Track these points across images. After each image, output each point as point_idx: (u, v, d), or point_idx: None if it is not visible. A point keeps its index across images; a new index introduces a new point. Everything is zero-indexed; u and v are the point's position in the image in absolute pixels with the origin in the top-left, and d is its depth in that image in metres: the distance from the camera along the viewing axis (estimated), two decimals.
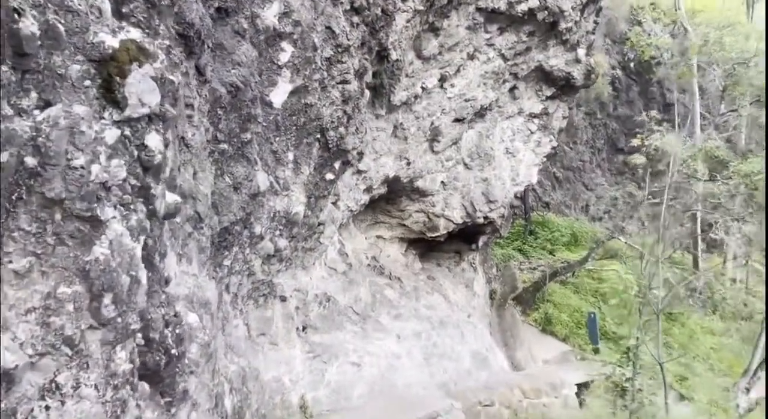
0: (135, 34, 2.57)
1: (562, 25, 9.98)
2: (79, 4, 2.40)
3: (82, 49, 2.40)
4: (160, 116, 2.68)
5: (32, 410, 2.29)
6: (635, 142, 14.34)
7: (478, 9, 8.84)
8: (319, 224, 7.69)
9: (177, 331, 3.46)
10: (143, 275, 2.60)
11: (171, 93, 2.80)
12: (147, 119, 2.58)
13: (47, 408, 2.33)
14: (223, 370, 5.31)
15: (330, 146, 6.57)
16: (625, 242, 14.57)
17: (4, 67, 2.18)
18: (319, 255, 8.27)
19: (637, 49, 19.16)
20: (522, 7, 9.23)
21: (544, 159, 12.58)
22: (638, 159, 13.95)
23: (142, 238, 2.67)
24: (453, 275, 12.40)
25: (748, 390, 10.81)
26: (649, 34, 18.51)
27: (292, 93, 5.85)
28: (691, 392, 9.97)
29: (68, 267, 2.33)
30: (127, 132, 2.49)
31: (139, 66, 2.50)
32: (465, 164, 10.97)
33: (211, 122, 4.94)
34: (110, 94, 2.42)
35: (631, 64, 21.33)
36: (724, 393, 10.92)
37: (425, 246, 12.20)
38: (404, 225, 11.11)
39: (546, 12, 9.56)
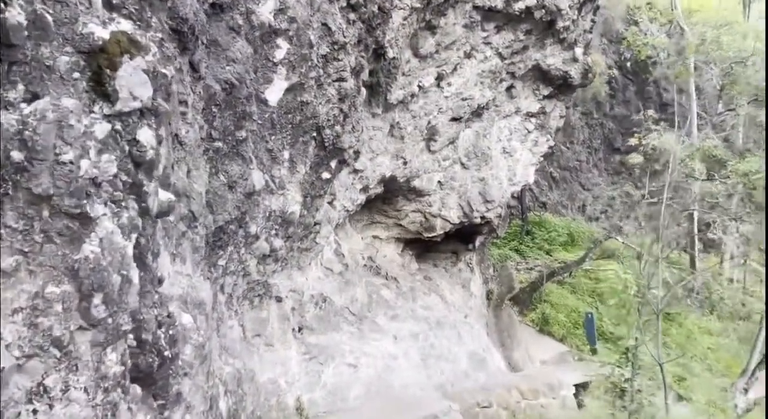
0: (126, 25, 2.50)
1: (560, 24, 9.93)
2: None
3: (71, 40, 2.32)
4: (153, 110, 2.60)
5: (19, 414, 2.21)
6: (633, 141, 14.31)
7: (475, 7, 8.78)
8: (315, 223, 7.62)
9: (170, 332, 3.38)
10: (135, 274, 2.52)
11: (164, 87, 2.71)
12: (139, 114, 2.50)
13: (35, 411, 2.25)
14: (218, 372, 5.22)
15: (326, 144, 6.49)
16: (623, 242, 14.54)
17: None
18: (315, 255, 8.20)
19: (633, 48, 19.15)
20: (519, 6, 9.18)
21: (542, 159, 12.53)
22: (636, 158, 13.91)
23: (133, 236, 2.59)
24: (450, 275, 12.33)
25: (746, 390, 10.78)
26: (645, 34, 18.49)
27: (288, 90, 5.78)
28: (689, 392, 9.93)
29: (56, 266, 2.25)
30: (118, 127, 2.41)
31: (131, 58, 2.42)
32: (462, 164, 10.91)
33: (206, 120, 4.86)
34: (100, 87, 2.34)
35: (628, 64, 21.33)
36: (722, 394, 10.90)
37: (422, 246, 12.12)
38: (401, 225, 11.04)
39: (543, 10, 9.51)
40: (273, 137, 5.82)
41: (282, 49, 5.60)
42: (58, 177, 2.21)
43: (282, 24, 5.51)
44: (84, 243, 2.30)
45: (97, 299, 2.31)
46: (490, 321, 12.52)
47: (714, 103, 17.83)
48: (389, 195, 10.32)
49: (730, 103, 16.55)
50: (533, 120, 11.79)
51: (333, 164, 6.86)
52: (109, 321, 2.36)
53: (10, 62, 2.17)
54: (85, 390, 2.35)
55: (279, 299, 7.06)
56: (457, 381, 9.21)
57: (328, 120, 6.37)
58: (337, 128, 6.53)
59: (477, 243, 12.54)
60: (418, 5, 7.47)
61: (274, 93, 5.66)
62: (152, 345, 3.05)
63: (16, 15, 2.15)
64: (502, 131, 11.48)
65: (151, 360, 3.06)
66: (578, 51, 10.79)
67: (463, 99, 9.93)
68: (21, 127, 2.14)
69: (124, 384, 2.55)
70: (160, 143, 3.47)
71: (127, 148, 2.46)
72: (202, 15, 4.50)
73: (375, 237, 11.04)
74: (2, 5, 2.13)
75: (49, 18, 2.27)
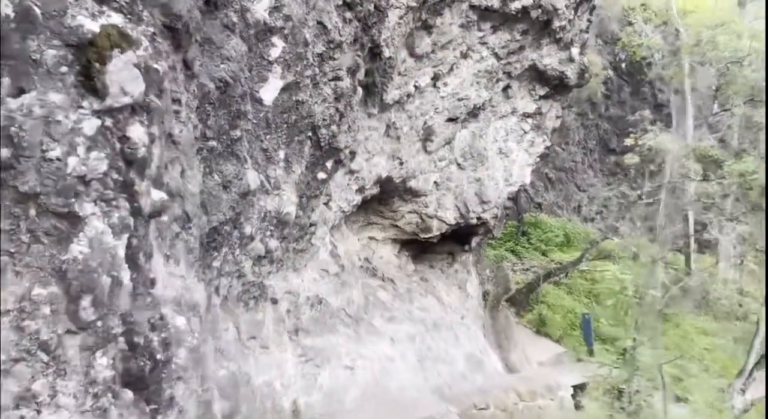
0: (117, 19, 2.42)
1: (556, 24, 9.89)
2: None
3: (59, 33, 2.24)
4: (144, 106, 2.52)
5: None
6: (629, 142, 14.28)
7: (472, 6, 8.71)
8: (311, 224, 7.54)
9: (163, 335, 3.30)
10: (126, 275, 2.44)
11: (156, 83, 2.64)
12: (130, 110, 2.42)
13: (22, 418, 2.17)
14: (213, 375, 5.13)
15: (322, 144, 6.42)
16: (619, 243, 14.52)
17: None
18: (310, 257, 8.11)
19: (628, 49, 19.14)
20: (515, 5, 9.12)
21: (538, 159, 12.49)
22: (632, 159, 13.88)
23: (124, 236, 2.51)
24: (446, 276, 12.27)
25: (743, 390, 10.75)
26: (640, 35, 18.49)
27: (283, 90, 5.70)
28: (686, 393, 9.89)
29: (44, 267, 2.17)
30: (108, 123, 2.33)
31: (121, 53, 2.35)
32: (458, 164, 10.85)
33: (200, 119, 4.78)
34: (89, 82, 2.26)
35: (623, 65, 21.34)
36: (720, 394, 10.86)
37: (418, 247, 12.06)
38: (397, 226, 10.97)
39: (540, 10, 9.46)
40: (268, 137, 5.74)
41: (277, 47, 5.53)
42: (45, 175, 2.13)
43: (277, 22, 5.44)
44: (72, 243, 2.22)
45: (85, 302, 2.23)
46: (486, 322, 12.46)
47: (709, 103, 17.85)
48: (385, 196, 10.24)
49: (726, 104, 16.55)
50: (529, 121, 11.74)
51: (329, 164, 6.79)
52: (99, 324, 2.28)
53: None
54: (74, 395, 2.27)
55: (274, 301, 6.96)
56: (454, 383, 9.14)
57: (324, 120, 6.30)
58: (333, 127, 6.46)
59: (473, 244, 12.49)
60: (414, 4, 7.40)
61: (269, 92, 5.59)
62: (144, 349, 2.97)
63: (2, 7, 2.08)
64: (499, 131, 11.42)
65: (143, 363, 2.98)
66: (574, 51, 10.74)
67: (460, 99, 9.87)
68: (7, 122, 2.06)
69: (115, 389, 2.47)
70: (152, 141, 3.39)
71: (117, 145, 2.38)
72: (196, 12, 4.42)
73: (371, 238, 10.96)
74: None
75: (37, 10, 2.19)
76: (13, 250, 2.13)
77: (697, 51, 15.56)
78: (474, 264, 13.02)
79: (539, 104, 11.53)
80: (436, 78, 9.19)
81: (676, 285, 11.07)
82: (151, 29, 2.77)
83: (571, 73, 10.95)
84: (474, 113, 10.50)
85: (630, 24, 19.29)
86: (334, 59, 6.19)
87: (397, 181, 9.68)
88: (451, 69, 9.35)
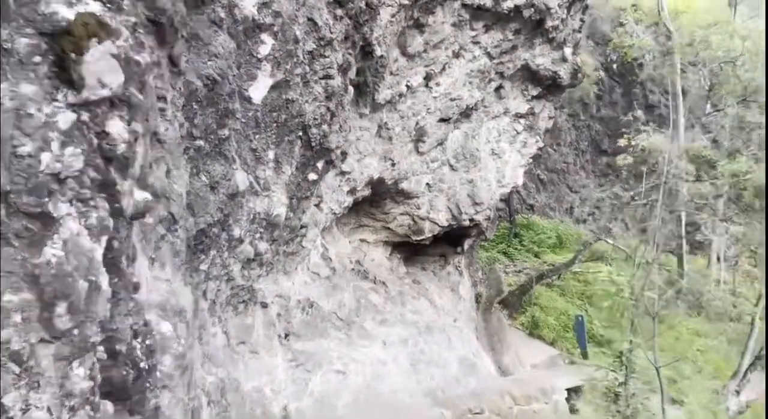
0: (95, 6, 2.27)
1: (549, 23, 9.80)
2: None
3: (33, 20, 2.09)
4: (124, 100, 2.37)
5: None
6: (622, 142, 14.24)
7: (464, 5, 8.61)
8: (302, 226, 7.39)
9: (147, 342, 3.15)
10: (104, 280, 2.29)
11: (137, 76, 2.49)
12: (108, 103, 2.27)
13: None
14: (200, 382, 4.98)
15: (313, 144, 6.27)
16: (612, 244, 14.46)
17: None
18: (301, 259, 7.96)
19: (619, 50, 19.14)
20: (508, 4, 9.03)
21: (530, 160, 12.41)
22: (626, 160, 13.83)
23: (103, 239, 2.35)
24: (438, 279, 12.15)
25: (738, 392, 10.71)
26: (631, 36, 18.50)
27: (273, 88, 5.55)
28: (680, 395, 9.82)
29: (15, 271, 2.01)
30: (85, 117, 2.18)
31: (99, 42, 2.20)
32: (450, 166, 10.74)
33: (186, 117, 4.62)
34: (64, 73, 2.11)
35: (614, 66, 21.34)
36: (714, 396, 10.80)
37: (410, 250, 11.94)
38: (389, 228, 10.84)
39: (532, 9, 9.37)
40: (257, 136, 5.59)
41: (266, 44, 5.38)
42: (15, 172, 1.98)
43: (266, 18, 5.29)
44: (45, 246, 2.07)
45: (60, 309, 2.08)
46: (479, 325, 12.35)
47: (700, 104, 17.86)
48: (377, 198, 10.12)
49: (719, 104, 16.55)
50: (522, 121, 11.66)
51: (320, 164, 6.64)
52: (75, 332, 2.13)
53: None
54: (49, 409, 2.11)
55: (264, 305, 6.81)
56: (447, 386, 9.01)
57: (315, 119, 6.15)
58: (324, 127, 6.31)
59: (466, 246, 12.38)
60: (407, 2, 7.28)
61: (258, 90, 5.44)
62: (126, 357, 2.82)
63: None
64: (491, 132, 11.33)
65: (125, 372, 2.82)
66: (567, 51, 10.67)
67: (452, 99, 9.76)
68: None
69: (93, 400, 2.32)
70: (136, 139, 3.23)
71: (95, 141, 2.23)
72: (181, 6, 4.26)
73: (362, 241, 10.83)
74: None
75: None
76: None
77: (689, 51, 15.55)
78: (466, 266, 12.91)
79: (532, 105, 11.45)
80: (428, 78, 9.07)
81: (671, 287, 11.02)
82: (133, 19, 2.62)
83: (564, 73, 10.87)
84: (466, 114, 10.40)
85: (621, 25, 19.30)
86: (325, 57, 6.05)
87: (389, 182, 9.55)
88: (444, 69, 9.24)
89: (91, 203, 2.24)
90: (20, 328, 2.03)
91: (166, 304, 3.90)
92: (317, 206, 7.84)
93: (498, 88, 10.76)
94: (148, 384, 3.07)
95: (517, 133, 11.70)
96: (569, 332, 13.35)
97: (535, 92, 11.24)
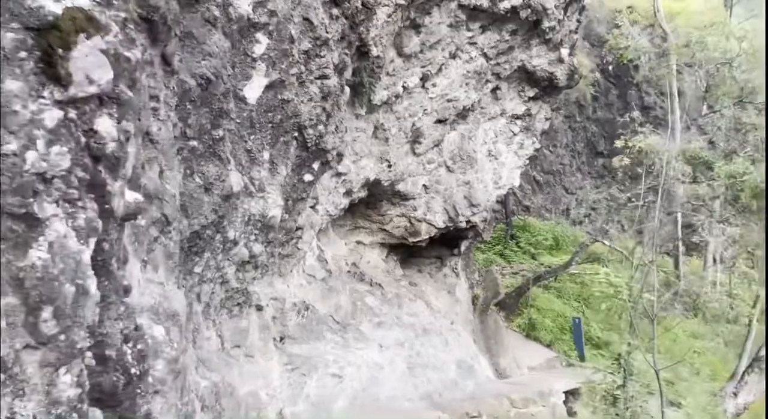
0: (83, 1, 2.19)
1: (545, 24, 9.76)
2: None
3: (18, 15, 2.01)
4: (114, 97, 2.29)
5: None
6: (619, 143, 14.20)
7: (461, 6, 8.56)
8: (297, 228, 7.32)
9: (138, 347, 3.06)
10: (92, 283, 2.21)
11: (127, 72, 2.41)
12: (97, 101, 2.19)
13: None
14: (194, 386, 4.89)
15: (308, 145, 6.20)
16: (610, 246, 14.41)
17: None
18: (297, 262, 7.89)
19: (615, 52, 19.14)
20: (504, 5, 8.98)
21: (527, 161, 12.36)
22: (623, 161, 13.81)
23: (92, 241, 2.27)
24: (435, 281, 12.10)
25: (735, 394, 10.68)
26: (627, 37, 18.49)
27: (268, 88, 5.49)
28: (678, 397, 9.78)
29: None
30: (72, 114, 2.10)
31: (87, 38, 2.12)
32: (447, 167, 10.69)
33: (180, 117, 4.55)
34: (51, 69, 2.04)
35: (610, 68, 21.36)
36: (712, 398, 10.76)
37: (406, 252, 11.88)
38: (385, 230, 10.78)
39: (529, 10, 9.33)
40: (252, 137, 5.52)
41: (261, 44, 5.32)
42: None
43: (261, 17, 5.23)
44: (31, 248, 1.99)
45: (46, 313, 2.00)
46: (476, 327, 12.29)
47: (696, 105, 17.86)
48: (373, 199, 10.06)
49: (715, 105, 16.55)
50: (519, 122, 11.61)
51: (315, 165, 6.57)
52: (62, 337, 2.05)
53: None
54: (34, 417, 2.03)
55: (259, 308, 6.73)
56: (445, 390, 8.94)
57: (311, 119, 6.08)
58: (320, 127, 6.25)
59: (462, 248, 12.33)
60: (403, 2, 7.22)
61: (253, 90, 5.37)
62: (117, 362, 2.74)
63: None
64: (488, 133, 11.28)
65: (115, 378, 2.75)
66: (564, 52, 10.63)
67: (449, 100, 9.71)
68: None
69: (81, 408, 2.24)
70: (127, 139, 3.15)
71: (83, 139, 2.15)
72: (175, 4, 4.19)
73: (359, 243, 10.76)
74: None
75: None
76: None
77: (685, 52, 15.54)
78: (463, 268, 12.85)
79: (528, 106, 11.41)
80: (424, 78, 9.02)
81: (668, 289, 10.98)
82: (123, 15, 2.54)
83: (560, 74, 10.83)
84: (463, 115, 10.35)
85: (617, 26, 19.31)
86: (321, 57, 5.98)
87: (386, 184, 9.49)
88: (440, 69, 9.20)
89: (79, 203, 2.16)
90: (4, 334, 1.95)
91: (159, 307, 3.82)
92: (313, 207, 7.77)
93: (494, 90, 10.71)
94: (139, 390, 2.99)
95: (514, 134, 11.66)
96: (566, 334, 13.30)
97: (531, 93, 11.20)
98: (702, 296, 15.09)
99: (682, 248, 17.30)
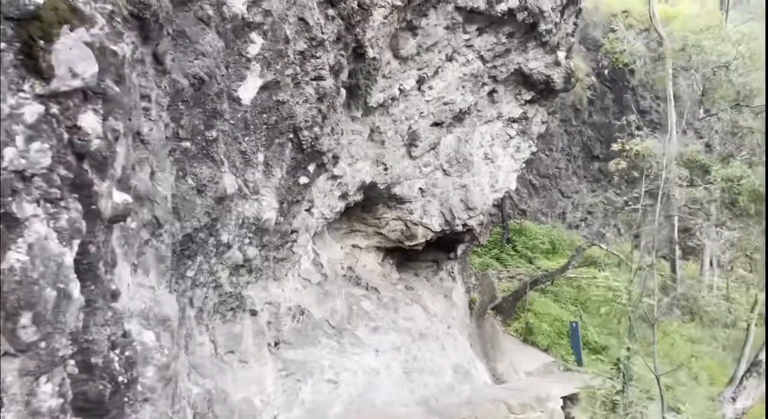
0: None
1: (542, 27, 9.70)
2: None
3: None
4: (100, 93, 2.19)
5: None
6: (615, 146, 14.16)
7: (457, 8, 8.49)
8: (292, 231, 7.21)
9: (127, 353, 2.96)
10: (75, 287, 2.10)
11: (114, 67, 2.31)
12: (81, 96, 2.09)
13: None
14: (186, 393, 4.78)
15: (304, 147, 6.10)
16: (607, 250, 14.35)
17: None
18: (292, 265, 7.78)
19: (611, 56, 19.15)
20: (501, 7, 8.92)
21: (523, 165, 12.30)
22: (620, 164, 13.76)
23: (75, 243, 2.17)
24: (431, 284, 12.00)
25: (734, 399, 10.60)
26: (623, 41, 18.50)
27: (263, 89, 5.39)
28: (677, 402, 9.69)
29: None
30: (54, 110, 2.00)
31: (71, 29, 2.02)
32: (443, 170, 10.61)
33: (172, 117, 4.44)
34: (32, 62, 1.94)
35: (606, 72, 21.36)
36: (710, 403, 10.68)
37: (402, 255, 11.79)
38: (381, 234, 10.69)
39: (526, 12, 9.27)
40: (246, 138, 5.42)
41: (256, 44, 5.23)
42: None
43: (256, 17, 5.14)
44: (9, 250, 1.88)
45: (25, 319, 1.89)
46: (473, 332, 12.19)
47: (692, 108, 17.85)
48: (369, 203, 9.97)
49: (711, 109, 16.55)
50: (515, 125, 11.55)
51: (311, 168, 6.47)
52: (42, 344, 1.94)
53: None
54: None
55: (254, 313, 6.62)
56: (441, 395, 8.83)
57: (306, 121, 5.99)
58: (316, 129, 6.15)
59: (459, 252, 12.24)
60: (399, 3, 7.15)
61: (247, 91, 5.28)
62: (103, 370, 2.63)
63: None
64: (484, 136, 11.21)
65: (102, 387, 2.64)
66: (561, 55, 10.57)
67: (445, 103, 9.64)
68: None
69: (63, 418, 2.13)
70: (116, 139, 3.05)
71: (65, 136, 2.05)
72: (167, 2, 4.10)
73: (354, 246, 10.66)
74: None
75: None
76: None
77: (682, 55, 15.53)
78: (459, 272, 12.77)
79: (525, 109, 11.35)
80: (421, 81, 8.95)
81: (666, 292, 10.93)
82: (109, 7, 2.45)
83: (557, 77, 10.77)
84: (459, 118, 10.28)
85: (613, 31, 19.31)
86: (317, 58, 5.89)
87: (382, 187, 9.41)
88: (437, 72, 9.12)
89: (62, 203, 2.06)
90: None
91: (149, 312, 3.72)
92: (308, 210, 7.67)
93: (491, 93, 10.65)
94: (126, 399, 2.88)
95: (510, 137, 11.60)
96: (564, 338, 13.22)
97: (528, 97, 11.15)
98: (699, 301, 15.03)
99: (678, 252, 17.25)
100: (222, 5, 4.81)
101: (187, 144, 4.63)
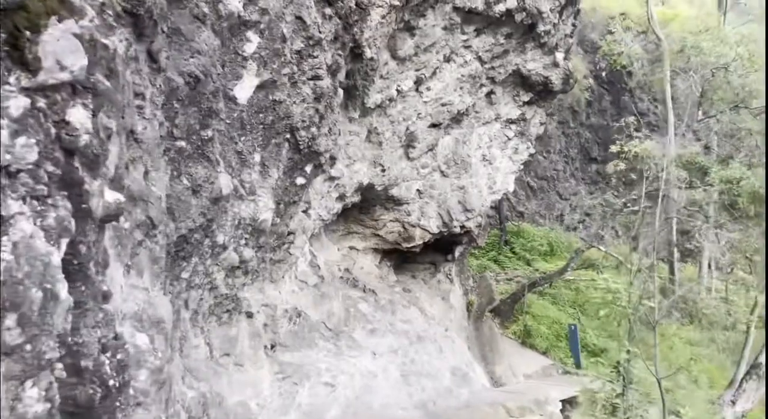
0: None
1: (541, 28, 9.66)
2: None
3: None
4: (89, 87, 2.12)
5: None
6: (614, 148, 14.14)
7: (455, 8, 8.45)
8: (289, 233, 7.14)
9: (118, 356, 2.88)
10: (62, 288, 2.03)
11: (104, 61, 2.24)
12: (69, 89, 2.02)
13: None
14: (180, 397, 4.69)
15: (301, 147, 6.03)
16: (606, 252, 14.30)
17: None
18: (288, 267, 7.70)
19: (608, 58, 19.14)
20: (500, 8, 8.87)
21: (521, 166, 12.25)
22: (618, 166, 13.72)
23: (63, 242, 2.10)
24: (429, 287, 11.93)
25: (733, 402, 10.55)
26: (620, 44, 18.49)
27: (259, 88, 5.33)
28: (676, 405, 9.63)
29: None
30: (41, 103, 1.93)
31: (59, 21, 1.95)
32: (441, 172, 10.55)
33: (167, 116, 4.37)
34: (18, 53, 1.87)
35: (603, 74, 21.36)
36: (710, 406, 10.63)
37: (400, 257, 11.72)
38: (378, 235, 10.62)
39: (524, 13, 9.22)
40: (243, 138, 5.35)
41: (252, 42, 5.16)
42: None
43: (252, 15, 5.08)
44: None
45: (9, 321, 1.81)
46: (470, 334, 12.12)
47: (691, 110, 17.85)
48: (366, 204, 9.90)
49: (710, 110, 16.54)
50: (513, 127, 11.50)
51: (308, 168, 6.40)
52: (27, 347, 1.87)
53: None
54: None
55: (250, 315, 6.54)
56: (439, 398, 8.75)
57: (303, 121, 5.92)
58: (313, 129, 6.08)
59: (456, 254, 12.18)
60: (397, 3, 7.10)
61: (243, 90, 5.21)
62: (93, 374, 2.55)
63: None
64: (482, 137, 11.16)
65: (92, 391, 2.56)
66: (559, 56, 10.53)
67: (443, 104, 9.59)
68: None
69: None
70: (109, 136, 2.98)
71: (53, 131, 1.98)
72: None
73: (352, 248, 10.59)
74: None
75: None
76: None
77: (680, 57, 15.51)
78: (457, 274, 12.70)
79: (523, 110, 11.30)
80: (418, 82, 8.90)
81: (665, 295, 10.88)
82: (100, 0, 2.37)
83: (555, 78, 10.73)
84: (457, 119, 10.23)
85: (610, 33, 19.30)
86: (314, 57, 5.83)
87: (379, 189, 9.34)
88: (434, 73, 9.07)
89: (49, 201, 1.99)
90: None
91: (143, 314, 3.65)
92: (305, 212, 7.60)
93: (489, 94, 10.60)
94: (118, 403, 2.80)
95: (509, 139, 11.54)
96: (562, 341, 13.15)
97: (526, 98, 11.10)
98: (698, 303, 14.98)
99: (677, 255, 17.21)
100: (218, 3, 4.75)
101: (182, 143, 4.56)
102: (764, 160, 12.96)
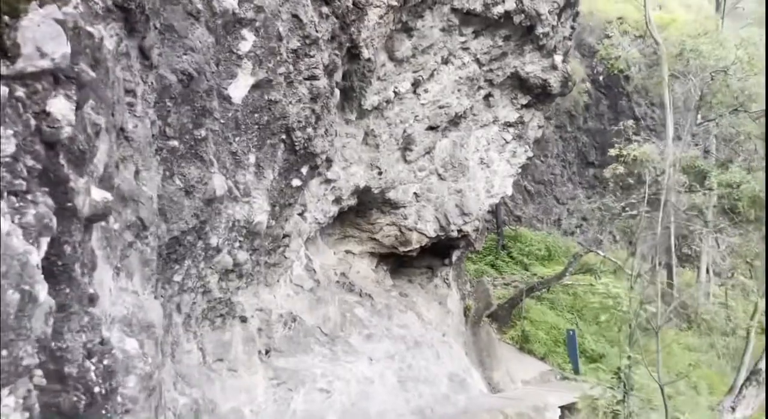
0: None
1: (539, 30, 9.59)
2: None
3: None
4: (72, 77, 2.01)
5: None
6: (613, 152, 14.07)
7: (454, 10, 8.37)
8: (284, 236, 7.01)
9: (105, 362, 2.76)
10: (41, 289, 1.91)
11: (89, 50, 2.13)
12: (51, 78, 1.91)
13: None
14: (171, 404, 4.57)
15: (297, 148, 5.92)
16: (604, 256, 14.22)
17: None
18: (284, 271, 7.58)
19: (606, 62, 19.12)
20: (498, 10, 8.80)
21: (519, 170, 12.16)
22: (617, 170, 13.65)
23: (43, 241, 1.98)
24: (426, 291, 11.81)
25: (733, 408, 10.46)
26: (617, 48, 18.48)
27: (254, 87, 5.22)
28: (676, 411, 9.53)
29: None
30: (20, 92, 1.82)
31: (40, 5, 1.84)
32: (439, 175, 10.45)
33: (159, 115, 4.26)
34: None
35: (600, 78, 21.35)
36: (710, 413, 10.53)
37: (396, 261, 11.61)
38: (375, 239, 10.51)
39: (523, 15, 9.15)
40: (237, 139, 5.23)
41: (247, 41, 5.05)
42: None
43: (248, 13, 4.97)
44: None
45: None
46: (468, 339, 12.00)
47: (689, 114, 17.83)
48: (363, 207, 9.80)
49: (709, 114, 16.53)
50: (511, 130, 11.41)
51: (304, 170, 6.29)
52: (3, 353, 1.75)
53: None
54: None
55: (244, 319, 6.41)
56: (437, 404, 8.63)
57: (299, 121, 5.81)
58: (309, 130, 5.97)
59: (454, 258, 12.08)
60: (395, 3, 7.01)
61: (238, 89, 5.10)
62: (77, 380, 2.43)
63: None
64: (480, 141, 11.06)
65: (76, 398, 2.43)
66: (558, 58, 10.45)
67: (440, 107, 9.50)
68: None
69: None
70: (97, 133, 2.87)
71: (32, 122, 1.86)
72: None
73: (348, 252, 10.47)
74: None
75: None
76: None
77: (679, 60, 15.48)
78: (454, 279, 12.58)
79: (521, 113, 11.21)
80: (416, 84, 8.81)
81: (664, 300, 10.78)
82: None
83: (554, 81, 10.65)
84: (455, 122, 10.14)
85: (608, 37, 19.29)
86: (310, 57, 5.73)
87: (376, 192, 9.24)
88: (432, 75, 8.99)
89: (28, 196, 1.87)
90: None
91: (132, 318, 3.52)
92: (301, 214, 7.49)
93: (487, 96, 10.51)
94: (104, 411, 2.68)
95: (506, 142, 11.45)
96: (560, 346, 13.04)
97: (524, 101, 11.01)
98: (698, 308, 14.90)
99: (675, 259, 17.14)
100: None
101: (175, 143, 4.45)
102: (764, 164, 12.93)
